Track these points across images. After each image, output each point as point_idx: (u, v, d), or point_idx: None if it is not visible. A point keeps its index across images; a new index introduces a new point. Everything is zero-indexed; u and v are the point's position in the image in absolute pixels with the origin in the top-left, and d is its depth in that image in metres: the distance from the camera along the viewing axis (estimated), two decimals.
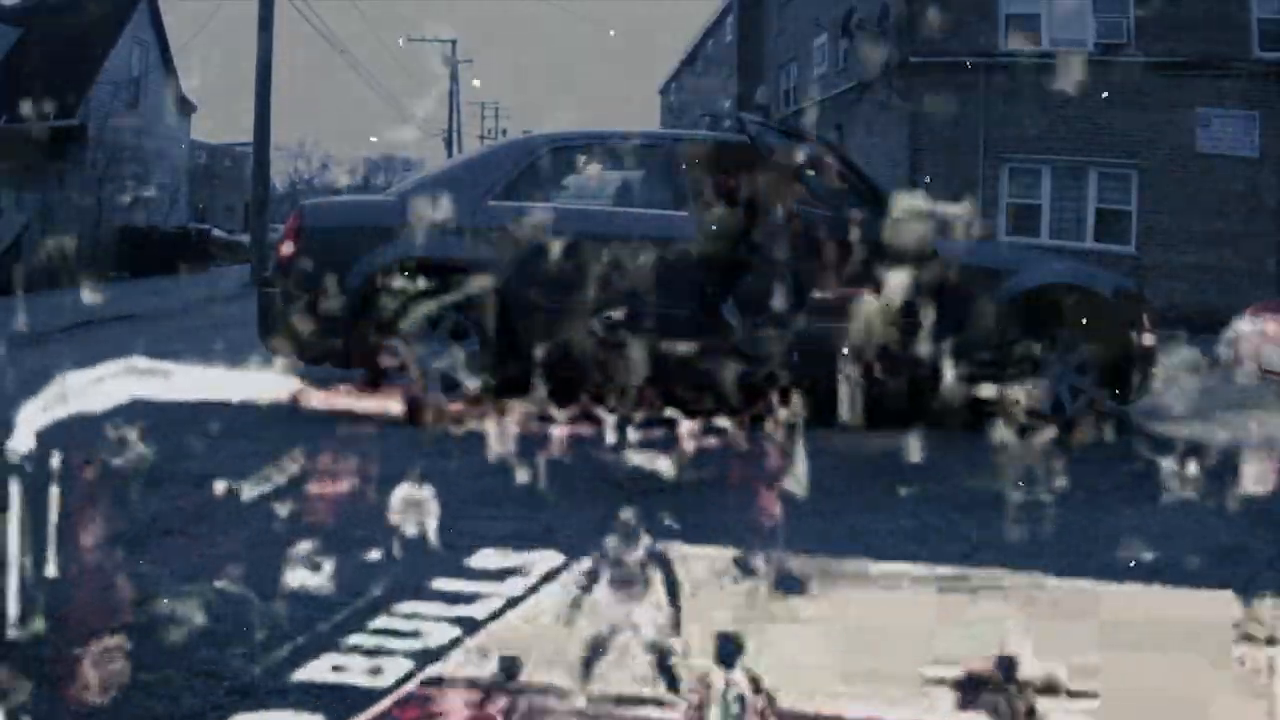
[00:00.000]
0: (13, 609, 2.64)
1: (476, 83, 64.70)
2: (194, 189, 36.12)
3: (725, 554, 3.25)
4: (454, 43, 49.05)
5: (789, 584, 3.04)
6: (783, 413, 4.71)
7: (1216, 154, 16.22)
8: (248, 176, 27.19)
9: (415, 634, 2.79)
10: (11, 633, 2.59)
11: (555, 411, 4.77)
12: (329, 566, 3.12)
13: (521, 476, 4.22)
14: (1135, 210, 16.60)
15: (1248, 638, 2.71)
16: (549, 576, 3.22)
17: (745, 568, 3.12)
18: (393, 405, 4.98)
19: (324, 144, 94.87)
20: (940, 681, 2.44)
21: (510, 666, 2.53)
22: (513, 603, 3.03)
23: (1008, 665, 2.37)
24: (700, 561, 3.16)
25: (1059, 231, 16.79)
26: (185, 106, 29.79)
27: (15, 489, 2.86)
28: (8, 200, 18.88)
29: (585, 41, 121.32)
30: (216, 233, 32.27)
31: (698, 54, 38.06)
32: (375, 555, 3.29)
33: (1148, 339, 6.03)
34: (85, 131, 23.17)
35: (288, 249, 6.09)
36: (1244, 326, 8.00)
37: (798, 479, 3.96)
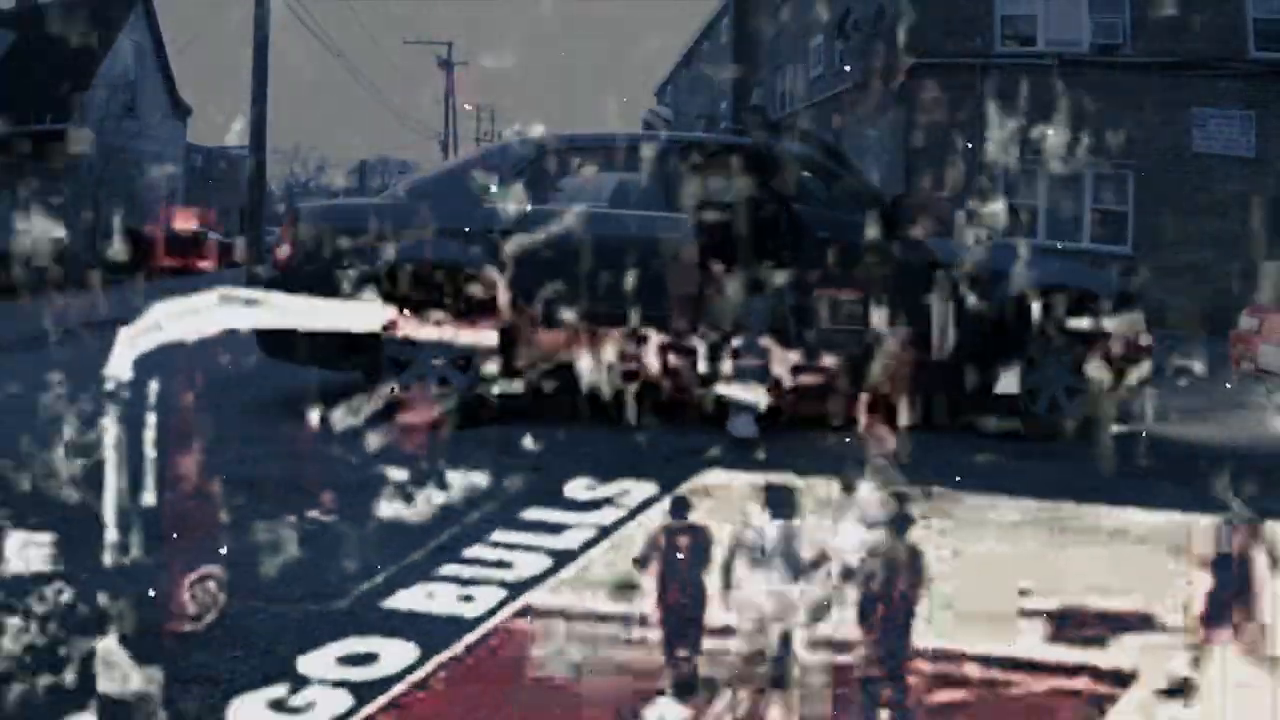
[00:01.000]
0: (111, 537, 2.72)
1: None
2: (190, 192, 36.08)
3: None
4: (450, 45, 49.09)
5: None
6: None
7: (1213, 154, 16.24)
8: (243, 179, 27.19)
9: (508, 564, 2.82)
10: (107, 559, 2.66)
11: (649, 334, 4.80)
12: (423, 495, 3.14)
13: (609, 401, 4.26)
14: (1132, 210, 16.62)
15: None
16: (643, 506, 3.23)
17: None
18: (486, 338, 4.85)
19: (320, 147, 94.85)
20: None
21: (681, 506, 2.51)
22: (605, 532, 3.05)
23: None
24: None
25: (1055, 232, 16.80)
26: (181, 109, 29.78)
27: (113, 416, 2.96)
28: (4, 203, 18.83)
29: (581, 43, 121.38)
30: (212, 235, 32.22)
31: (694, 56, 38.07)
32: (469, 484, 3.27)
33: (1143, 339, 6.04)
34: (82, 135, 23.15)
35: (284, 251, 6.09)
36: (1241, 326, 8.01)
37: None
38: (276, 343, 6.03)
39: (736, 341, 5.54)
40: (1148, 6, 16.48)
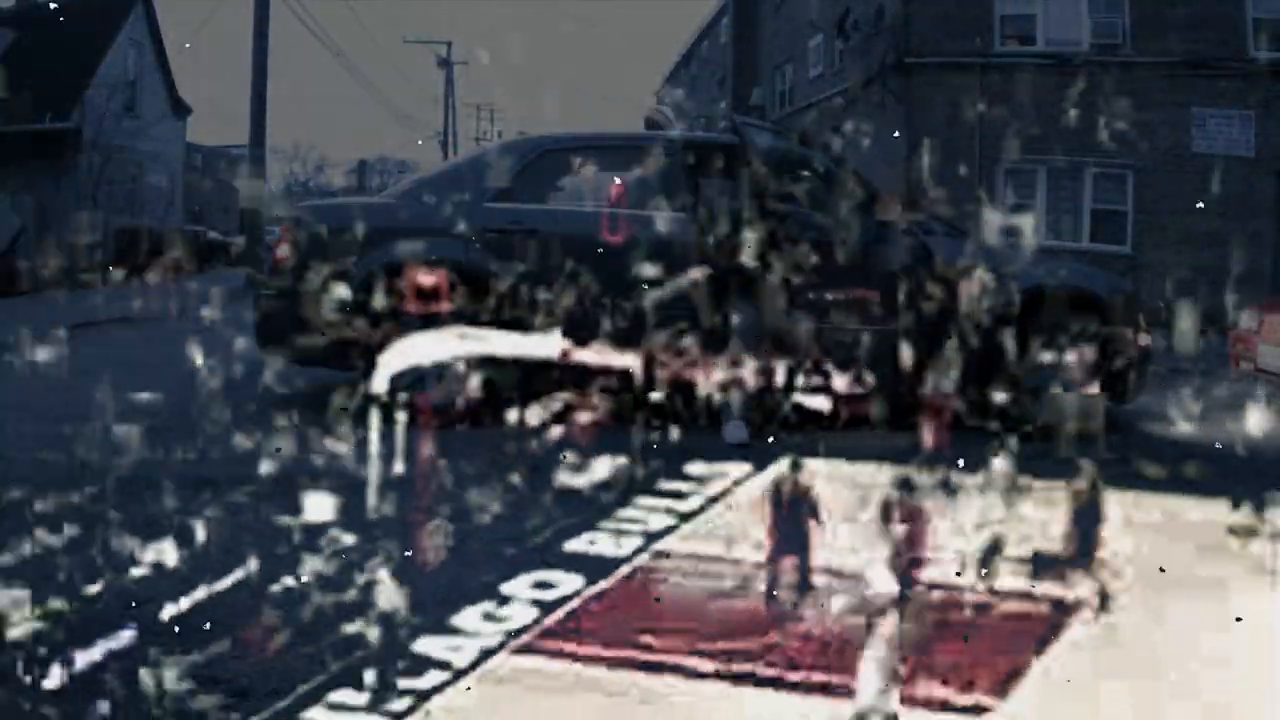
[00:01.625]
0: (373, 498, 3.86)
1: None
2: (189, 191, 36.07)
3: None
4: (449, 44, 49.11)
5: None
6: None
7: (1212, 154, 16.23)
8: (243, 179, 27.15)
9: (645, 520, 3.83)
10: (371, 516, 3.73)
11: (747, 358, 5.56)
12: (588, 471, 4.37)
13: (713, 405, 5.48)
14: (1131, 211, 16.62)
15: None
16: (740, 481, 4.35)
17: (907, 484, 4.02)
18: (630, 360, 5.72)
19: (319, 146, 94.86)
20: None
21: (795, 466, 3.49)
22: (713, 500, 4.13)
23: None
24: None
25: (1055, 232, 16.81)
26: (180, 108, 29.77)
27: (375, 415, 4.45)
28: (3, 203, 18.84)
29: (581, 43, 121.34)
30: (212, 235, 32.25)
31: (693, 55, 38.09)
32: (619, 464, 4.47)
33: (1143, 339, 6.04)
34: (80, 134, 23.15)
35: (283, 251, 6.09)
36: (1241, 326, 8.02)
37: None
38: (276, 342, 6.05)
39: (727, 347, 5.57)
40: (1147, 6, 16.48)
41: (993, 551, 3.41)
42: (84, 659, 2.54)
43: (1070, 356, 5.93)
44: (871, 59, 18.35)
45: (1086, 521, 3.55)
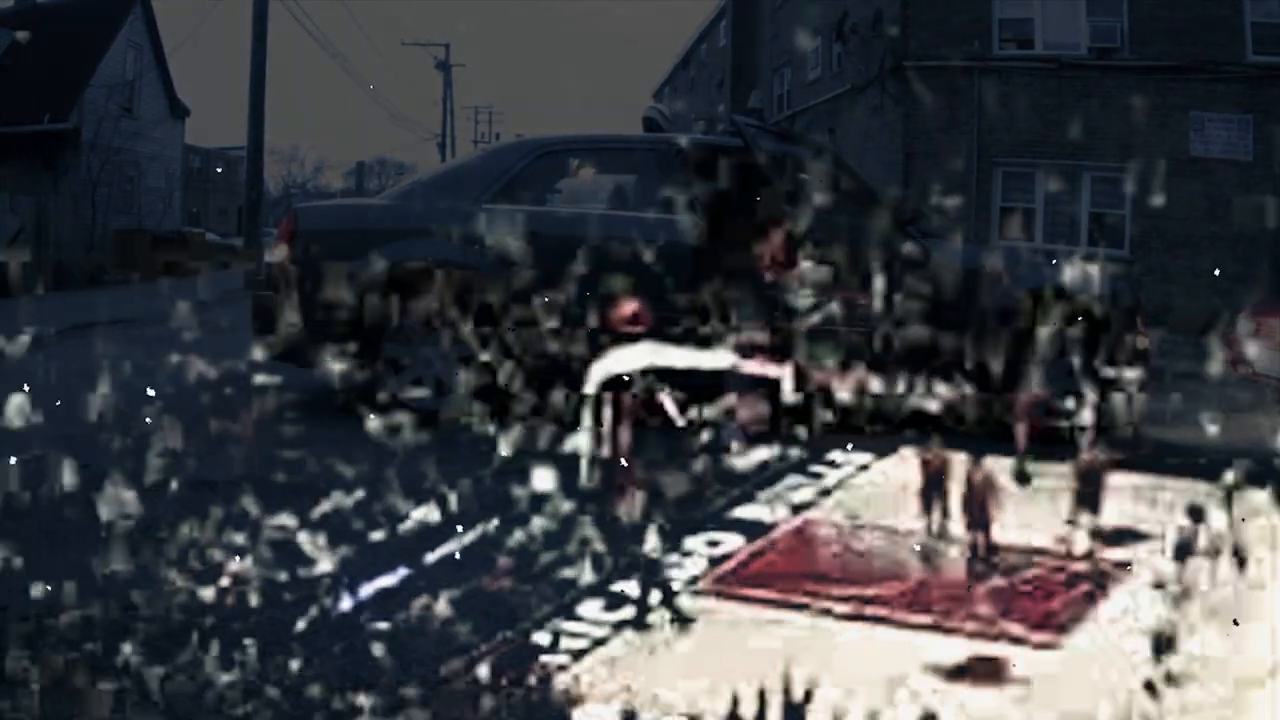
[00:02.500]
0: (584, 471, 4.69)
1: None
2: (188, 193, 36.08)
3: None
4: (448, 46, 49.15)
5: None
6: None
7: (1210, 157, 16.25)
8: (241, 180, 27.21)
9: (792, 492, 4.59)
10: (581, 482, 4.58)
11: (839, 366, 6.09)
12: (749, 457, 5.15)
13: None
14: (1129, 214, 16.63)
15: None
16: (865, 466, 5.11)
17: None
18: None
19: (317, 148, 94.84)
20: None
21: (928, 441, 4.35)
22: (843, 481, 4.88)
23: None
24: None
25: (1053, 235, 16.82)
26: (179, 110, 29.76)
27: (588, 413, 5.02)
28: (2, 204, 18.82)
29: (580, 45, 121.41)
30: (210, 236, 32.23)
31: (691, 58, 38.12)
32: (773, 452, 5.26)
33: (1141, 341, 6.05)
34: (79, 135, 23.14)
35: (281, 252, 6.09)
36: (1238, 329, 8.02)
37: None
38: (274, 344, 6.04)
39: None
40: (1145, 10, 16.50)
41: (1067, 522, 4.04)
42: (367, 590, 3.22)
43: (1068, 359, 5.94)
44: (870, 62, 18.36)
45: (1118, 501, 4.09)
